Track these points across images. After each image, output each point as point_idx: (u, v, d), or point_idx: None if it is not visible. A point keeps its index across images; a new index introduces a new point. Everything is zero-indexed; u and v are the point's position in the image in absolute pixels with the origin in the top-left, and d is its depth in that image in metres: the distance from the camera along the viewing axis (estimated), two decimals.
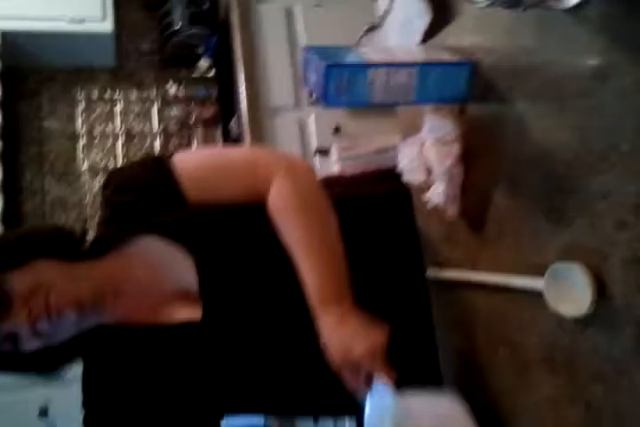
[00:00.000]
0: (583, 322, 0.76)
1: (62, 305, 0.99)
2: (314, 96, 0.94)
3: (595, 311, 0.73)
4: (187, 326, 1.08)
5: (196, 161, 1.14)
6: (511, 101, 0.87)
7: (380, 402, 0.92)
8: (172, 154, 1.15)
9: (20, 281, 0.99)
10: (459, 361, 1.06)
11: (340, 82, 0.88)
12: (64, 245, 1.09)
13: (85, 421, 1.11)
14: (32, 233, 1.11)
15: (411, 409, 0.89)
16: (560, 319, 0.79)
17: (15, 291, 0.98)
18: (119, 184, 1.14)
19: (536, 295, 0.82)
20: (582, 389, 0.78)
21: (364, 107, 1.00)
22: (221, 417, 1.14)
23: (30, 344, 1.00)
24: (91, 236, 1.14)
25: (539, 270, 0.82)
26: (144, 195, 1.11)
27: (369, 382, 0.93)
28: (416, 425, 0.88)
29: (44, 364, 1.08)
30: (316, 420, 1.51)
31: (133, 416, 1.09)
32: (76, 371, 1.16)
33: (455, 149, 0.97)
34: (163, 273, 1.10)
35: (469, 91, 0.94)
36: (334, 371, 0.96)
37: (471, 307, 1.01)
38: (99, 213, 1.19)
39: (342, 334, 0.95)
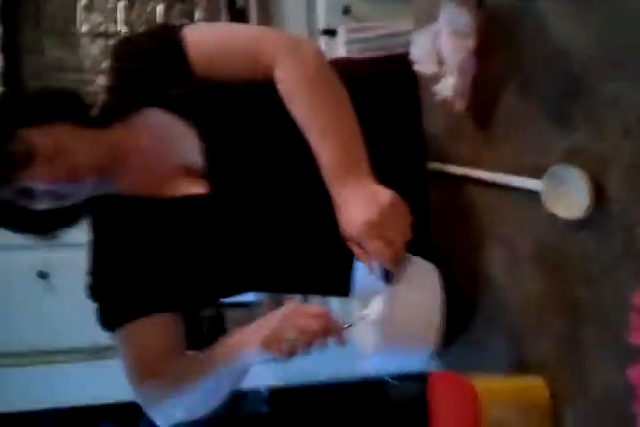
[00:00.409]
0: (577, 225, 0.78)
1: (84, 170, 1.03)
2: None
3: (590, 215, 0.76)
4: (191, 199, 1.11)
5: (205, 35, 1.13)
6: None
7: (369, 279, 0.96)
8: (181, 26, 1.14)
9: (42, 139, 1.02)
10: (449, 253, 1.09)
11: None
12: (78, 108, 1.11)
13: (91, 288, 1.17)
14: (50, 92, 1.14)
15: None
16: (554, 221, 0.82)
17: (37, 147, 1.01)
18: (128, 51, 1.14)
19: (533, 196, 0.85)
20: (568, 289, 0.81)
21: None
22: (219, 291, 1.19)
23: (43, 203, 1.04)
24: (98, 103, 1.15)
25: (539, 173, 0.83)
26: (152, 63, 1.10)
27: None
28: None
29: (47, 224, 1.12)
30: (305, 298, 1.58)
31: (135, 285, 1.14)
32: (75, 237, 1.21)
33: (470, 42, 0.95)
34: (168, 146, 1.12)
35: None
36: (344, 244, 0.96)
37: (468, 202, 1.03)
38: (103, 78, 1.19)
39: (355, 202, 0.93)
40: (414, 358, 0.95)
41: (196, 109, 1.10)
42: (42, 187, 1.02)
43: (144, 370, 1.12)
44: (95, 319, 1.16)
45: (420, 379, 0.92)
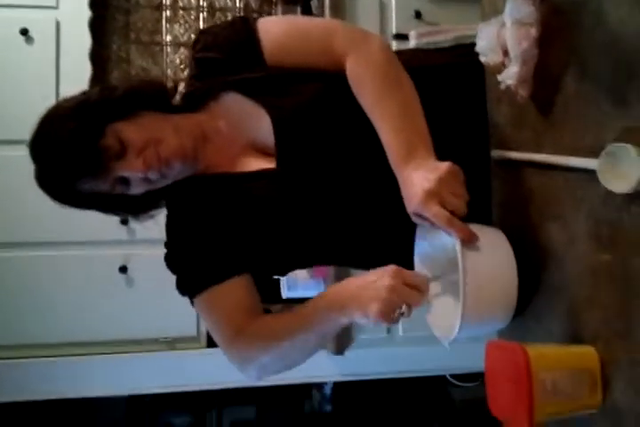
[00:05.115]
0: (630, 198, 0.82)
1: (171, 157, 1.12)
2: None
3: None
4: (261, 173, 1.18)
5: (278, 24, 1.22)
6: None
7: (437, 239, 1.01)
8: (256, 18, 1.22)
9: (132, 132, 1.11)
10: (511, 236, 1.12)
11: None
12: (161, 97, 1.20)
13: (169, 259, 1.24)
14: (133, 85, 1.21)
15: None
16: (609, 197, 0.85)
17: (128, 141, 1.10)
18: (207, 42, 1.22)
19: (590, 175, 0.88)
20: (620, 261, 0.85)
21: None
22: (287, 264, 1.26)
23: (138, 189, 1.14)
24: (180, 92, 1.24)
25: (596, 152, 0.87)
26: (228, 52, 1.19)
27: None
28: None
29: (140, 206, 1.24)
30: None
31: (210, 253, 1.21)
32: (153, 234, 1.31)
33: (533, 31, 1.00)
34: (242, 126, 1.20)
35: None
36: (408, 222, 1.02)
37: (528, 186, 1.07)
38: (186, 75, 1.27)
39: (415, 177, 0.98)
40: (491, 327, 1.00)
41: (266, 91, 1.17)
42: (136, 175, 1.11)
43: (233, 330, 1.17)
44: (176, 287, 1.23)
45: (481, 380, 0.96)
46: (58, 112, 1.14)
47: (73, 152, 1.08)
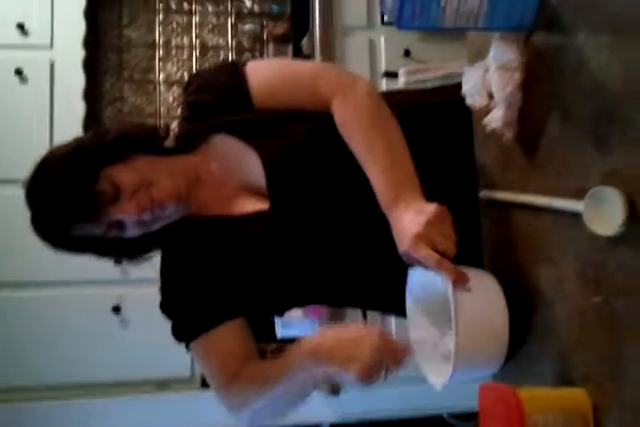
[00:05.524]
0: (615, 241, 0.83)
1: (164, 198, 1.13)
2: (388, 17, 0.99)
3: (626, 232, 0.80)
4: (254, 216, 1.19)
5: (266, 68, 1.24)
6: (573, 33, 0.91)
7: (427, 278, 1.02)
8: (245, 61, 1.26)
9: (125, 176, 1.12)
10: (502, 277, 1.13)
11: (415, 5, 0.94)
12: (153, 140, 1.21)
13: (162, 305, 1.25)
14: (125, 129, 1.23)
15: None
16: (595, 239, 0.86)
17: (121, 185, 1.11)
18: (198, 85, 1.25)
19: (576, 217, 0.89)
20: (608, 303, 0.86)
21: (435, 31, 1.05)
22: (283, 305, 1.26)
23: (133, 232, 1.15)
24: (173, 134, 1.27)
25: (581, 194, 0.88)
26: (218, 96, 1.21)
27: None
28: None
29: (136, 249, 1.24)
30: (364, 313, 1.60)
31: (205, 297, 1.21)
32: (147, 273, 1.31)
33: (517, 76, 1.02)
34: (233, 168, 1.22)
35: (536, 20, 0.98)
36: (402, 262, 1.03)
37: (516, 227, 1.08)
38: (178, 113, 1.29)
39: (404, 220, 1.00)
40: (484, 370, 1.00)
41: (256, 133, 1.19)
42: (130, 218, 1.12)
43: (227, 376, 1.18)
44: (171, 334, 1.23)
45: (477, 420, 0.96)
46: (52, 159, 1.15)
47: (68, 198, 1.09)
